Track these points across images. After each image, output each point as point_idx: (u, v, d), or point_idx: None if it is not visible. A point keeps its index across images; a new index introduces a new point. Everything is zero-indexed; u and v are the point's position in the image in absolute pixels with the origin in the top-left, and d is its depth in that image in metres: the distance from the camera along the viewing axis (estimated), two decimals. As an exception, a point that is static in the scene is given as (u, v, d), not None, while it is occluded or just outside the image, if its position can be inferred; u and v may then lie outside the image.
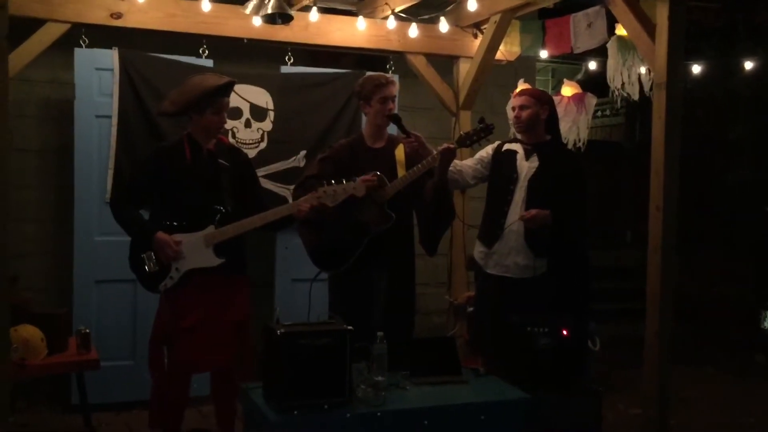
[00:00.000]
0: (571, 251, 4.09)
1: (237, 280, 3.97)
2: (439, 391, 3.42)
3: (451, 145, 4.01)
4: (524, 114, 4.18)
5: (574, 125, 5.59)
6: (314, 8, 4.93)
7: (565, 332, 3.68)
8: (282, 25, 4.86)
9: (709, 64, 7.08)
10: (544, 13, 5.63)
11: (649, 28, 3.99)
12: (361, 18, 5.15)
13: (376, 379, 3.21)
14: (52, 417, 4.88)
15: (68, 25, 4.63)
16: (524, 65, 6.18)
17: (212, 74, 4.00)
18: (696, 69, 6.72)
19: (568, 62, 9.40)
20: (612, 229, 9.73)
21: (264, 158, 5.19)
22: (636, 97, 5.07)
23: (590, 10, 5.03)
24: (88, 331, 4.22)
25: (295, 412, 3.03)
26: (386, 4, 5.03)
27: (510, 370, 3.69)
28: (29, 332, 4.03)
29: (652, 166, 3.96)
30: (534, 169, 4.12)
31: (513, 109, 4.27)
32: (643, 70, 5.17)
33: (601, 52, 5.42)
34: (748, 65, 7.22)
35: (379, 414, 3.11)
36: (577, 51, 5.21)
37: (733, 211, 8.91)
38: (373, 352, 3.29)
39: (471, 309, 5.08)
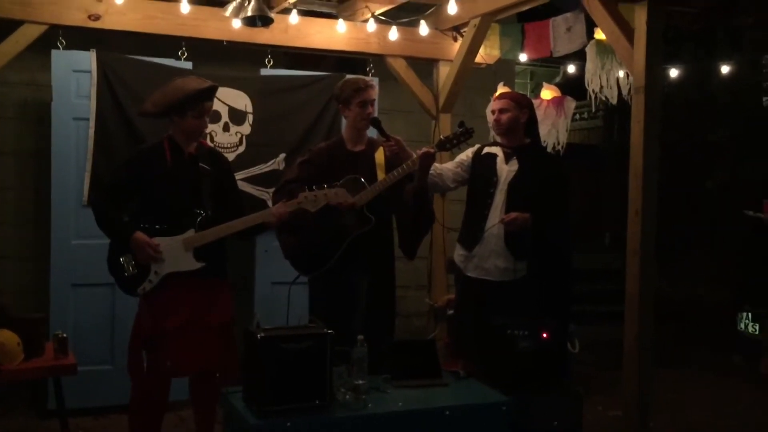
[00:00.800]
0: (552, 254, 4.10)
1: (217, 284, 3.94)
2: (420, 394, 3.41)
3: (431, 150, 4.01)
4: (504, 117, 4.19)
5: (554, 128, 5.62)
6: (294, 11, 4.92)
7: (545, 335, 3.69)
8: (262, 28, 4.84)
9: (688, 68, 7.15)
10: (523, 17, 5.65)
11: (628, 32, 4.02)
12: (341, 21, 5.15)
13: (357, 382, 3.20)
14: (29, 422, 4.83)
15: (45, 27, 4.59)
16: (504, 68, 6.20)
17: (195, 77, 3.98)
18: (674, 73, 6.78)
19: (547, 65, 9.47)
20: (591, 232, 9.78)
21: (243, 162, 5.17)
22: (614, 100, 5.10)
23: (569, 14, 5.06)
24: (65, 335, 4.17)
25: (276, 416, 3.01)
26: (366, 7, 5.04)
27: (490, 372, 3.69)
28: (5, 337, 3.98)
29: (630, 170, 3.99)
30: (514, 173, 4.13)
31: (492, 112, 4.28)
32: (621, 73, 5.20)
33: (579, 56, 5.46)
34: (726, 69, 7.29)
35: (360, 417, 3.11)
36: (556, 55, 5.25)
37: (712, 214, 8.99)
38: (354, 356, 3.28)
39: (451, 312, 5.08)
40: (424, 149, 4.00)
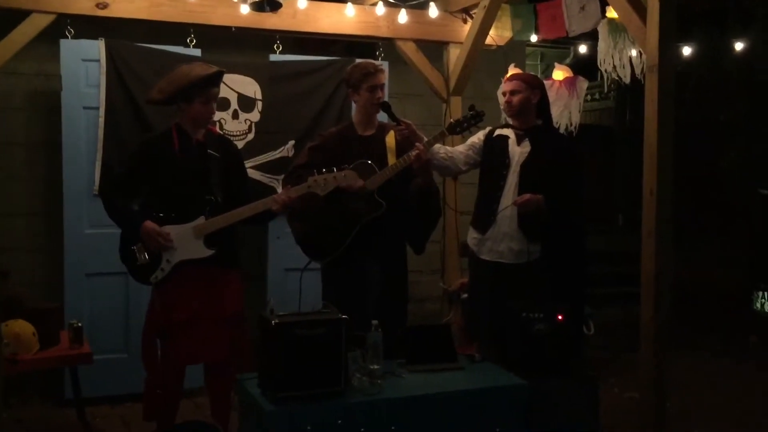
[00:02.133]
0: (566, 236, 4.07)
1: (229, 272, 3.94)
2: (435, 378, 3.41)
3: (420, 149, 3.95)
4: (515, 99, 4.15)
5: (566, 109, 5.57)
6: (302, -5, 4.89)
7: (560, 317, 3.67)
8: (270, 13, 4.81)
9: (700, 46, 7.07)
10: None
11: (640, 10, 3.96)
12: (349, 4, 5.11)
13: (372, 367, 3.20)
14: (46, 411, 4.86)
15: (53, 16, 4.57)
16: (514, 50, 6.15)
17: (201, 63, 3.96)
18: (686, 51, 6.70)
19: (557, 46, 9.40)
20: (604, 213, 9.75)
21: (252, 149, 5.15)
22: (627, 80, 5.05)
23: None
24: (80, 324, 4.19)
25: (291, 402, 3.01)
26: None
27: (505, 355, 3.69)
28: (21, 327, 4.00)
29: (645, 150, 3.94)
30: (526, 154, 4.10)
31: (504, 94, 4.25)
32: (634, 53, 5.14)
33: (591, 36, 5.40)
34: (739, 47, 7.21)
35: (375, 402, 3.10)
36: (572, 34, 5.18)
37: (725, 194, 8.93)
38: (368, 341, 3.27)
39: (465, 295, 5.07)
40: (415, 150, 3.95)
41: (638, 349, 3.94)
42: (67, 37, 4.81)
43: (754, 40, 7.70)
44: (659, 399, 3.93)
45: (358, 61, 4.50)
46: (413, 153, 3.94)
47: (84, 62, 4.90)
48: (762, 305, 7.00)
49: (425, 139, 4.05)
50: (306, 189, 3.76)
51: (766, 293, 6.98)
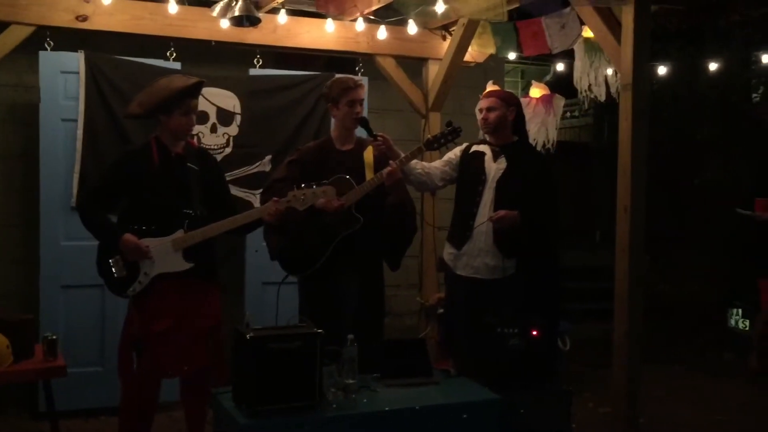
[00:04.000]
0: (541, 251, 4.11)
1: (207, 285, 3.94)
2: (410, 392, 3.42)
3: (393, 166, 3.98)
4: (491, 116, 4.20)
5: (543, 126, 5.63)
6: (283, 11, 4.92)
7: (535, 332, 3.70)
8: (250, 28, 4.83)
9: (675, 65, 7.16)
10: (511, 15, 5.65)
11: (615, 30, 4.03)
12: (329, 20, 5.15)
13: (347, 381, 3.21)
14: (20, 424, 4.82)
15: (33, 28, 4.58)
16: (494, 67, 6.21)
17: (180, 75, 3.99)
18: (662, 70, 6.79)
19: (537, 64, 9.48)
20: (582, 229, 9.80)
21: (229, 163, 5.15)
22: (603, 98, 5.12)
23: (563, 12, 5.05)
24: (55, 337, 4.15)
25: (266, 416, 3.01)
26: (354, 6, 5.03)
27: (480, 370, 3.70)
28: (-6, 339, 3.97)
29: (619, 167, 4.00)
30: (502, 171, 4.14)
31: (480, 110, 4.29)
32: (609, 71, 5.22)
33: (569, 54, 5.46)
34: (714, 66, 7.31)
35: (350, 417, 3.11)
36: (555, 51, 5.22)
37: (702, 211, 9.01)
38: (344, 355, 3.28)
39: (441, 310, 5.09)
40: (387, 168, 3.98)
41: (612, 364, 3.98)
42: (47, 49, 4.80)
43: (730, 60, 7.80)
44: (632, 413, 3.96)
45: (337, 76, 4.53)
46: (385, 170, 3.97)
47: (63, 74, 4.89)
48: (736, 322, 7.07)
49: (401, 154, 4.08)
50: (285, 204, 3.77)
51: (740, 310, 7.05)
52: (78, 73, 4.86)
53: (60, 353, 4.16)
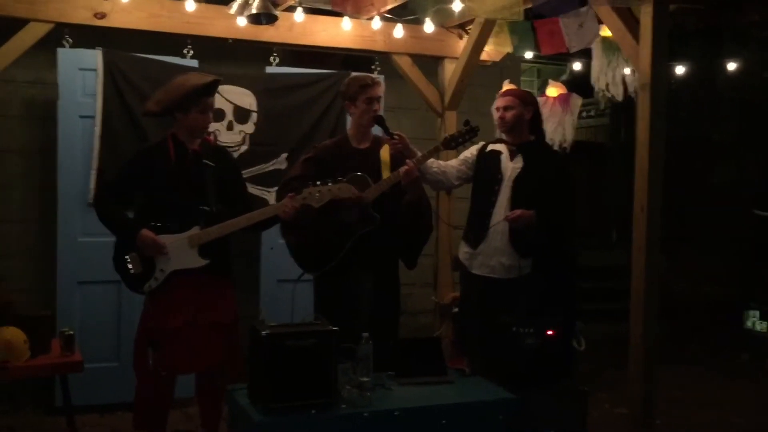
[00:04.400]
0: (557, 251, 4.10)
1: (222, 282, 3.95)
2: (425, 391, 3.41)
3: (411, 165, 3.98)
4: (509, 115, 4.19)
5: (560, 126, 5.61)
6: (299, 8, 4.92)
7: (550, 332, 3.69)
8: (267, 26, 4.84)
9: (694, 65, 7.12)
10: (527, 15, 5.63)
11: (634, 29, 4.01)
12: (346, 18, 5.14)
13: (362, 379, 3.20)
14: (36, 419, 4.85)
15: (51, 25, 4.60)
16: (510, 66, 6.20)
17: (196, 73, 3.99)
18: (680, 70, 6.75)
19: (554, 63, 9.42)
20: (598, 229, 9.76)
21: (245, 161, 5.15)
22: (620, 98, 5.10)
23: (580, 11, 5.02)
24: (72, 332, 4.18)
25: (281, 413, 3.02)
26: (371, 4, 5.03)
27: (495, 370, 3.70)
28: (12, 334, 3.99)
29: (636, 167, 3.98)
30: (518, 170, 4.13)
31: (497, 109, 4.28)
32: (627, 71, 5.19)
33: (586, 53, 5.44)
34: (732, 67, 7.26)
35: (364, 415, 3.11)
36: (573, 50, 5.19)
37: (718, 212, 8.96)
38: (359, 353, 3.28)
39: (456, 309, 5.08)
40: (405, 167, 3.98)
41: (628, 364, 3.96)
42: (65, 46, 4.83)
43: (748, 60, 7.74)
44: (648, 415, 3.94)
45: (355, 74, 4.52)
46: (402, 169, 3.97)
47: (81, 71, 4.92)
48: (753, 323, 7.03)
49: (418, 153, 4.07)
50: (301, 201, 3.77)
51: (757, 312, 7.01)
52: (96, 70, 4.88)
53: (77, 348, 4.19)
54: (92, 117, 4.90)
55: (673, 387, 5.67)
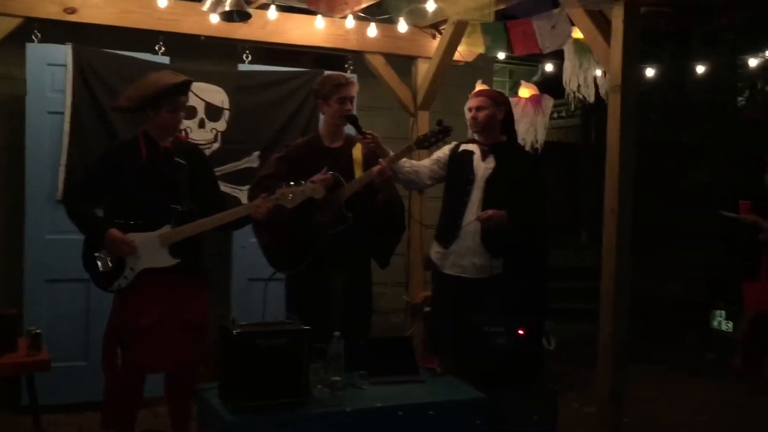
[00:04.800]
0: (528, 251, 4.12)
1: (193, 281, 3.92)
2: (396, 390, 3.41)
3: (382, 164, 3.98)
4: (481, 115, 4.21)
5: (532, 126, 5.64)
6: (273, 6, 4.91)
7: (521, 332, 3.71)
8: (240, 23, 4.81)
9: (664, 68, 7.20)
10: (500, 16, 5.65)
11: (605, 31, 4.04)
12: (319, 17, 5.14)
13: (333, 379, 3.20)
14: (2, 418, 4.78)
15: (20, 20, 4.55)
16: (483, 66, 6.22)
17: (169, 72, 3.95)
18: (650, 73, 6.82)
19: (526, 63, 9.50)
20: (568, 229, 9.84)
21: (217, 159, 5.10)
22: (591, 99, 5.14)
23: (553, 12, 5.05)
24: (39, 331, 4.13)
25: (252, 413, 3.00)
26: (345, 3, 5.02)
27: (466, 369, 3.71)
28: (-22, 333, 3.94)
29: (606, 169, 4.01)
30: (491, 170, 4.15)
31: (470, 110, 4.30)
32: (598, 72, 5.22)
33: (558, 55, 5.47)
34: (702, 69, 7.35)
35: (336, 414, 3.11)
36: (546, 51, 5.21)
37: (687, 213, 9.07)
38: (330, 352, 3.27)
39: (428, 309, 5.09)
40: (377, 166, 3.98)
41: (597, 364, 3.99)
42: (34, 41, 4.77)
43: (718, 63, 7.85)
44: (617, 413, 3.98)
45: (328, 72, 4.52)
46: (375, 169, 3.97)
47: (50, 66, 4.85)
48: (719, 323, 7.11)
49: (390, 152, 4.08)
50: (274, 201, 3.76)
51: (723, 312, 7.10)
52: (65, 65, 4.82)
53: (44, 347, 4.14)
54: (61, 113, 4.84)
55: (641, 385, 5.72)
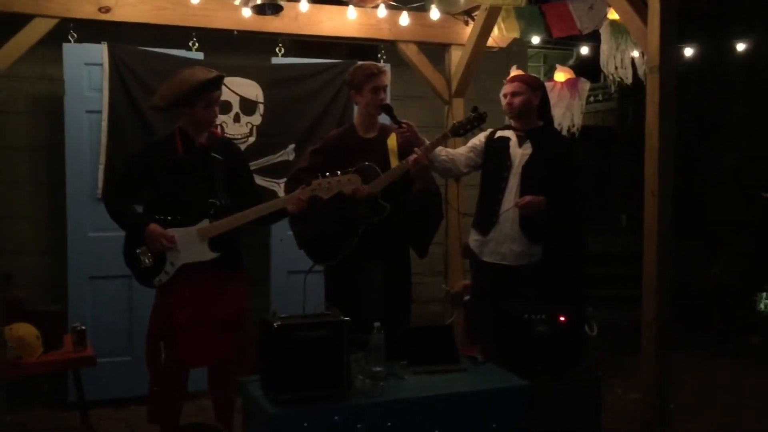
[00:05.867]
0: (567, 237, 4.08)
1: (233, 275, 3.95)
2: (438, 380, 3.41)
3: (418, 153, 3.96)
4: (516, 100, 4.17)
5: (568, 111, 5.58)
6: (304, -2, 4.90)
7: (562, 318, 3.67)
8: (272, 16, 4.82)
9: (701, 48, 7.07)
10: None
11: (641, 11, 3.97)
12: (351, 7, 5.12)
13: (374, 369, 3.20)
14: (50, 415, 4.86)
15: (56, 20, 4.59)
16: (516, 52, 6.15)
17: (201, 68, 3.97)
18: (688, 53, 6.70)
19: (560, 48, 9.39)
20: (607, 214, 9.73)
21: (252, 153, 5.15)
22: (629, 81, 5.06)
23: None
24: (83, 327, 4.20)
25: (294, 404, 3.02)
26: (376, -8, 5.00)
27: (508, 357, 3.68)
28: (24, 330, 4.01)
29: (646, 152, 3.94)
30: (527, 156, 4.11)
31: (505, 95, 4.26)
32: (635, 54, 5.14)
33: (593, 37, 5.40)
34: (740, 49, 7.21)
35: (377, 404, 3.11)
36: (585, 31, 5.14)
37: (727, 196, 8.92)
38: (371, 343, 3.28)
39: (468, 297, 5.07)
40: (413, 156, 3.96)
41: (640, 350, 3.94)
42: (70, 41, 4.82)
43: (756, 42, 7.69)
44: (662, 400, 3.93)
45: (360, 62, 4.51)
46: (411, 158, 3.95)
47: (87, 66, 4.92)
48: (765, 306, 6.98)
49: (426, 140, 4.06)
50: (309, 192, 3.76)
51: (769, 294, 6.97)
52: (101, 64, 4.88)
53: (89, 343, 4.20)
54: (99, 112, 4.90)
55: (685, 371, 5.65)
